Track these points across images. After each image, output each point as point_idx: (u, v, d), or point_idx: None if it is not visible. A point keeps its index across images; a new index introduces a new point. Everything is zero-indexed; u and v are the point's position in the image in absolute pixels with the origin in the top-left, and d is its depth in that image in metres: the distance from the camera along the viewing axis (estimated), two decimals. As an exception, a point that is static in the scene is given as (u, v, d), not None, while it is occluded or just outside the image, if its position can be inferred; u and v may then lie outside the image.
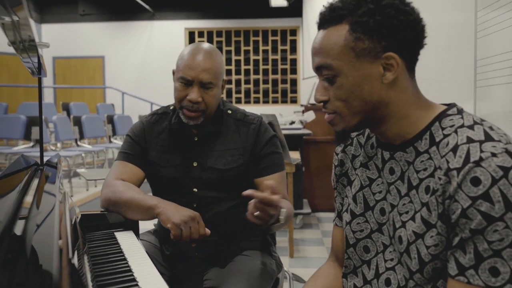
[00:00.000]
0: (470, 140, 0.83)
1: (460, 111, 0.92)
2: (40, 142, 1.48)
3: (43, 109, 1.51)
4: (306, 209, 4.60)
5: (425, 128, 0.92)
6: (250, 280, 1.49)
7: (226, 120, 1.68)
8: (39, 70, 1.35)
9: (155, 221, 1.70)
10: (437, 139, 0.89)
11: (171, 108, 1.74)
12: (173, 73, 1.65)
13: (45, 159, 1.51)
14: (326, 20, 0.94)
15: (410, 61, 0.92)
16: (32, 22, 0.91)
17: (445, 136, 0.88)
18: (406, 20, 0.89)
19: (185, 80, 1.56)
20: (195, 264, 1.62)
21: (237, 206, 1.64)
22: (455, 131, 0.87)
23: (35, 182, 1.13)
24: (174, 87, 1.62)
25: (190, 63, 1.56)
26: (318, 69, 0.94)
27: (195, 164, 1.64)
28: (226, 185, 1.63)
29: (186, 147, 1.66)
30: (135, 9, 11.26)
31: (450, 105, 0.94)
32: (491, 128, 0.86)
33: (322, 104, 0.96)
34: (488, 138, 0.83)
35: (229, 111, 1.70)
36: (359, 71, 0.90)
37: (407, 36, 0.89)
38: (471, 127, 0.86)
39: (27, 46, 1.03)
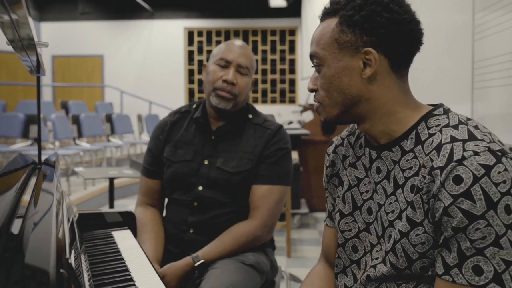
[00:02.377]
0: (453, 139, 0.84)
1: (447, 111, 0.93)
2: (38, 140, 1.49)
3: (41, 108, 1.52)
4: (304, 209, 4.61)
5: (412, 128, 0.92)
6: (236, 273, 1.49)
7: (245, 123, 1.70)
8: (37, 68, 1.35)
9: None
10: (423, 138, 0.90)
11: (194, 106, 1.77)
12: (204, 66, 1.72)
13: (43, 157, 1.51)
14: (325, 13, 0.98)
15: (395, 60, 0.93)
16: (31, 21, 0.91)
17: (430, 135, 0.89)
18: (391, 18, 0.90)
19: (224, 61, 1.63)
20: None
21: (235, 212, 1.63)
22: (440, 130, 0.88)
23: (33, 180, 1.13)
24: (209, 72, 1.67)
25: (230, 47, 1.66)
26: (311, 58, 0.98)
27: (206, 162, 1.65)
28: (231, 189, 1.62)
29: (201, 144, 1.68)
30: (135, 8, 11.25)
31: (437, 105, 0.95)
32: (476, 127, 0.87)
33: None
34: (472, 137, 0.83)
35: (250, 116, 1.71)
36: (340, 63, 0.93)
37: (390, 34, 0.90)
38: (455, 127, 0.87)
39: (25, 44, 1.03)
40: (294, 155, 4.01)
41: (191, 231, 1.63)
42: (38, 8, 11.64)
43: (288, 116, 5.76)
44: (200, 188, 1.63)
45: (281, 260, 3.36)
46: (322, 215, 4.95)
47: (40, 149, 1.48)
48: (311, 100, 6.16)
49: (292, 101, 11.50)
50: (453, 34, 2.57)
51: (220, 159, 1.64)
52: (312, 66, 0.99)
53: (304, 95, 8.86)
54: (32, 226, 0.72)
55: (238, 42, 1.70)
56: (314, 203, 5.02)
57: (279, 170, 1.64)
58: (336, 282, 1.08)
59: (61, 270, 0.58)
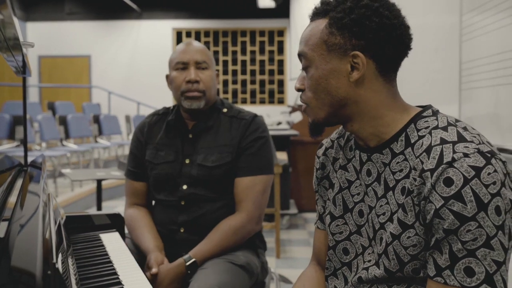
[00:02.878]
0: (443, 141, 0.84)
1: (435, 113, 0.93)
2: (24, 142, 1.46)
3: (27, 108, 1.50)
4: (293, 210, 4.61)
5: (401, 130, 0.92)
6: (225, 273, 1.49)
7: (220, 118, 1.70)
8: (23, 69, 1.33)
9: None
10: (412, 141, 0.90)
11: (171, 108, 1.78)
12: (167, 77, 1.73)
13: (29, 159, 1.49)
14: (315, 13, 0.97)
15: (383, 64, 0.92)
16: (16, 21, 0.90)
17: (420, 137, 0.89)
18: (381, 22, 0.89)
19: (181, 64, 1.65)
20: None
21: (224, 207, 1.64)
22: (429, 132, 0.88)
23: (19, 182, 1.11)
24: (171, 80, 1.69)
25: (183, 49, 1.68)
26: (299, 57, 0.98)
27: (187, 161, 1.66)
28: (215, 184, 1.63)
29: (180, 144, 1.69)
30: (122, 8, 11.18)
31: (426, 107, 0.95)
32: (465, 128, 0.87)
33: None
34: (461, 139, 0.84)
35: (225, 110, 1.72)
36: (328, 65, 0.93)
37: (379, 38, 0.90)
38: (444, 128, 0.87)
39: (11, 45, 1.01)
40: (283, 156, 4.01)
41: (182, 230, 1.63)
42: (24, 8, 11.52)
43: (277, 116, 5.76)
44: (185, 187, 1.63)
45: (270, 261, 3.36)
46: (311, 216, 4.96)
47: (26, 150, 1.46)
48: (300, 101, 6.19)
49: (281, 101, 11.51)
50: (441, 36, 2.59)
51: (200, 156, 1.64)
52: (301, 69, 0.98)
53: (292, 95, 8.87)
54: (18, 229, 0.70)
55: (187, 42, 1.72)
56: (303, 203, 5.03)
57: (260, 160, 1.64)
58: (326, 285, 1.07)
59: (48, 272, 0.57)
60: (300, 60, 0.98)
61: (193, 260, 1.52)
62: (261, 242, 1.75)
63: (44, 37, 11.22)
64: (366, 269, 0.96)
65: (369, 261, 0.97)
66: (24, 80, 1.46)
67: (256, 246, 1.70)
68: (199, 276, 1.47)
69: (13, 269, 0.57)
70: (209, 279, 1.43)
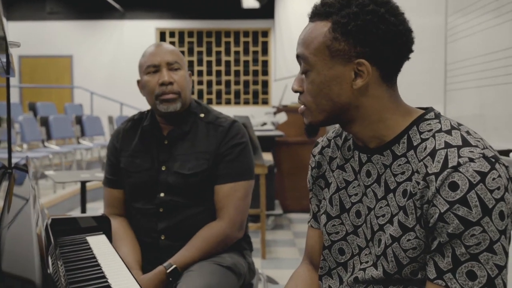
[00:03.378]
0: (448, 145, 0.84)
1: (438, 116, 0.92)
2: (8, 144, 1.43)
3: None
4: (278, 210, 4.61)
5: (403, 132, 0.91)
6: (212, 275, 1.47)
7: (197, 123, 1.66)
8: (7, 69, 1.30)
9: None
10: (415, 143, 0.89)
11: (146, 112, 1.74)
12: (138, 83, 1.69)
13: (12, 160, 1.46)
14: (316, 13, 0.94)
15: (387, 71, 0.91)
16: (4, 20, 0.87)
17: (423, 140, 0.88)
18: (387, 30, 0.87)
19: (152, 68, 1.61)
20: None
21: (204, 212, 1.61)
22: (433, 136, 0.87)
23: (4, 185, 1.09)
24: (143, 85, 1.64)
25: (151, 52, 1.64)
26: (297, 58, 0.96)
27: (163, 168, 1.62)
28: (191, 191, 1.60)
29: (156, 151, 1.65)
30: (105, 8, 11.07)
31: (428, 109, 0.94)
32: (468, 132, 0.87)
33: (298, 94, 0.98)
34: (466, 143, 0.83)
35: (202, 115, 1.67)
36: (331, 71, 0.90)
37: (385, 46, 0.88)
38: (448, 132, 0.87)
39: (-4, 44, 0.99)
40: (269, 157, 4.00)
41: (163, 238, 1.60)
42: (4, 7, 11.29)
43: (262, 117, 5.75)
44: (162, 194, 1.60)
45: (256, 262, 3.34)
46: (296, 216, 4.96)
47: (10, 152, 1.43)
48: (285, 102, 6.19)
49: (265, 102, 11.52)
50: (427, 37, 2.61)
51: (177, 163, 1.61)
52: (301, 70, 0.96)
53: (277, 96, 8.87)
54: (10, 234, 0.68)
55: (156, 44, 1.68)
56: (288, 204, 5.03)
57: (239, 167, 1.61)
58: (320, 284, 1.07)
59: (48, 271, 0.55)
60: (299, 62, 0.96)
61: (174, 266, 1.49)
62: (247, 243, 1.74)
63: (25, 37, 11.05)
64: (363, 269, 0.96)
65: (367, 262, 0.96)
66: (8, 80, 1.43)
67: (242, 248, 1.69)
68: (185, 279, 1.45)
69: (12, 276, 0.55)
70: (196, 282, 1.42)
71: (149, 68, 1.61)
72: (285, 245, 3.96)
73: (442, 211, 0.80)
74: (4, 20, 0.88)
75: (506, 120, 1.91)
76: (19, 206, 0.84)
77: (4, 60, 1.20)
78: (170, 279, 1.48)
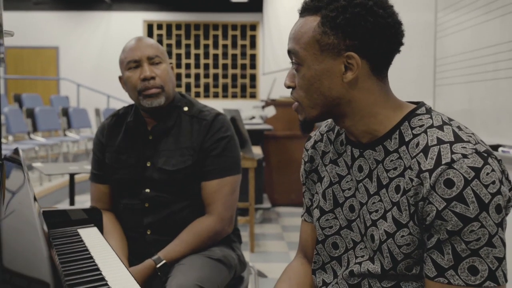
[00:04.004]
0: (440, 141, 0.84)
1: (429, 111, 0.93)
2: (-2, 135, 1.41)
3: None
4: (266, 204, 4.62)
5: (394, 127, 0.92)
6: (203, 268, 1.47)
7: (181, 117, 1.64)
8: (-2, 60, 1.28)
9: None
10: (407, 139, 0.90)
11: (131, 107, 1.72)
12: (120, 79, 1.66)
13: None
14: (305, 8, 0.94)
15: (377, 64, 0.91)
16: (1, 5, 0.86)
17: (415, 136, 0.89)
18: (375, 22, 0.87)
19: (133, 63, 1.59)
20: None
21: (189, 207, 1.61)
22: (425, 131, 0.88)
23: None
24: (125, 81, 1.62)
25: (131, 47, 1.61)
26: (289, 53, 0.96)
27: (148, 164, 1.61)
28: (177, 187, 1.59)
29: (141, 147, 1.63)
30: (92, -1, 10.96)
31: (419, 104, 0.94)
32: (459, 128, 0.88)
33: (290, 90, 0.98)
34: (458, 139, 0.84)
35: (186, 108, 1.65)
36: (321, 65, 0.91)
37: (374, 39, 0.88)
38: (440, 128, 0.87)
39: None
40: (258, 150, 4.01)
41: (149, 232, 1.60)
42: (-11, -3, 11.15)
43: (250, 111, 5.76)
44: (148, 190, 1.60)
45: (244, 255, 3.36)
46: (284, 210, 4.98)
47: (0, 144, 1.41)
48: (273, 95, 6.19)
49: (253, 96, 11.51)
50: (416, 32, 2.63)
51: (162, 159, 1.59)
52: (292, 66, 0.96)
53: (265, 90, 8.88)
54: (14, 225, 0.68)
55: (135, 38, 1.65)
56: (276, 198, 5.05)
57: (225, 161, 1.60)
58: (314, 278, 1.07)
59: (59, 272, 0.55)
60: (290, 57, 0.96)
61: (163, 261, 1.49)
62: (236, 236, 1.74)
63: (10, 27, 10.85)
64: (359, 263, 0.96)
65: (362, 256, 0.97)
66: (-2, 71, 1.41)
67: (231, 241, 1.69)
68: (176, 273, 1.45)
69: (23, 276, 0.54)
70: (187, 275, 1.42)
71: (130, 63, 1.58)
72: (273, 239, 3.98)
73: (439, 208, 0.81)
74: (1, 8, 0.87)
75: (494, 115, 1.93)
76: (19, 198, 0.84)
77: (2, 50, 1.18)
78: (159, 273, 1.48)
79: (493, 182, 0.80)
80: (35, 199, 0.93)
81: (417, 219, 0.86)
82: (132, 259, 1.58)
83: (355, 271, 0.96)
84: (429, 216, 0.83)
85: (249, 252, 3.59)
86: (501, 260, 0.81)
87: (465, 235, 0.80)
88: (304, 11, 0.94)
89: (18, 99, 9.08)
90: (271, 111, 5.13)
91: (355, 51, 0.89)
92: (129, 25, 11.35)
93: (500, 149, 1.81)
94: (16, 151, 1.49)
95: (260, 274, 3.06)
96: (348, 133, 0.99)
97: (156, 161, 1.60)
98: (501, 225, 0.81)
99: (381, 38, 0.89)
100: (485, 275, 0.80)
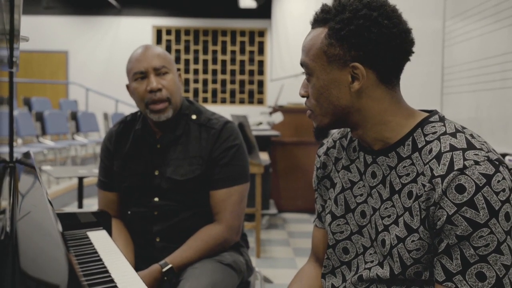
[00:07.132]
0: (453, 148, 0.86)
1: (442, 119, 0.94)
2: (10, 138, 1.43)
3: (2, 103, 1.47)
4: (273, 210, 4.63)
5: (407, 134, 0.93)
6: (215, 273, 1.48)
7: (189, 125, 1.63)
8: (12, 63, 1.31)
9: None
10: (420, 146, 0.91)
11: (138, 114, 1.72)
12: (127, 87, 1.65)
13: (5, 155, 1.46)
14: (316, 20, 0.97)
15: (384, 73, 0.93)
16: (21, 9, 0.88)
17: (428, 142, 0.90)
18: (380, 33, 0.89)
19: (139, 74, 1.57)
20: None
21: (198, 214, 1.61)
22: (438, 138, 0.89)
23: (7, 180, 1.09)
24: (132, 91, 1.61)
25: (138, 57, 1.59)
26: (301, 65, 0.99)
27: (156, 173, 1.61)
28: (186, 196, 1.59)
29: (149, 155, 1.63)
30: (101, 4, 11.04)
31: (432, 112, 0.96)
32: (472, 136, 0.89)
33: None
34: (471, 146, 0.86)
35: (194, 116, 1.65)
36: (329, 75, 0.94)
37: (379, 49, 0.90)
38: (453, 135, 0.89)
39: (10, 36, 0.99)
40: (265, 156, 4.02)
41: (158, 240, 1.61)
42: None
43: (257, 117, 5.77)
44: (156, 199, 1.60)
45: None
46: (290, 216, 4.98)
47: (12, 147, 1.44)
48: (281, 102, 6.20)
49: (261, 102, 11.53)
50: (424, 40, 2.64)
51: (170, 168, 1.59)
52: (302, 73, 1.00)
53: (272, 96, 8.89)
54: (35, 228, 0.70)
55: (140, 48, 1.62)
56: (282, 204, 5.05)
57: (234, 170, 1.60)
58: (323, 282, 1.09)
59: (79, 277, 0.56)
60: (303, 68, 1.00)
61: (170, 266, 1.49)
62: (244, 241, 1.75)
63: (21, 32, 10.99)
64: (369, 269, 0.98)
65: (372, 261, 0.98)
66: (11, 74, 1.44)
67: (239, 245, 1.70)
68: (189, 276, 1.46)
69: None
70: (200, 279, 1.43)
71: (136, 74, 1.57)
72: (279, 245, 3.98)
73: (450, 213, 0.82)
74: (20, 14, 0.89)
75: (501, 124, 1.93)
76: (34, 200, 0.85)
77: (8, 53, 1.20)
78: (165, 278, 1.49)
79: (503, 190, 0.81)
80: (49, 201, 0.94)
81: (428, 224, 0.87)
82: (141, 265, 1.58)
83: (364, 276, 0.97)
84: (439, 220, 0.84)
85: (255, 257, 3.59)
86: (508, 268, 0.81)
87: (474, 240, 0.81)
88: (315, 23, 0.98)
89: (27, 103, 9.15)
90: (278, 117, 5.14)
91: (360, 62, 0.91)
92: (138, 30, 11.42)
93: (507, 157, 1.81)
94: (27, 154, 1.51)
95: (266, 280, 3.06)
96: (361, 140, 1.01)
97: (164, 170, 1.60)
98: (509, 233, 0.82)
99: (386, 48, 0.91)
100: (493, 282, 0.81)
